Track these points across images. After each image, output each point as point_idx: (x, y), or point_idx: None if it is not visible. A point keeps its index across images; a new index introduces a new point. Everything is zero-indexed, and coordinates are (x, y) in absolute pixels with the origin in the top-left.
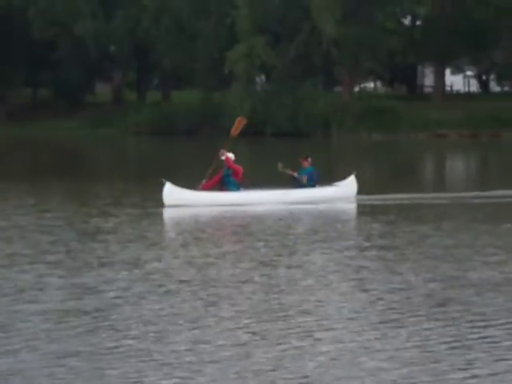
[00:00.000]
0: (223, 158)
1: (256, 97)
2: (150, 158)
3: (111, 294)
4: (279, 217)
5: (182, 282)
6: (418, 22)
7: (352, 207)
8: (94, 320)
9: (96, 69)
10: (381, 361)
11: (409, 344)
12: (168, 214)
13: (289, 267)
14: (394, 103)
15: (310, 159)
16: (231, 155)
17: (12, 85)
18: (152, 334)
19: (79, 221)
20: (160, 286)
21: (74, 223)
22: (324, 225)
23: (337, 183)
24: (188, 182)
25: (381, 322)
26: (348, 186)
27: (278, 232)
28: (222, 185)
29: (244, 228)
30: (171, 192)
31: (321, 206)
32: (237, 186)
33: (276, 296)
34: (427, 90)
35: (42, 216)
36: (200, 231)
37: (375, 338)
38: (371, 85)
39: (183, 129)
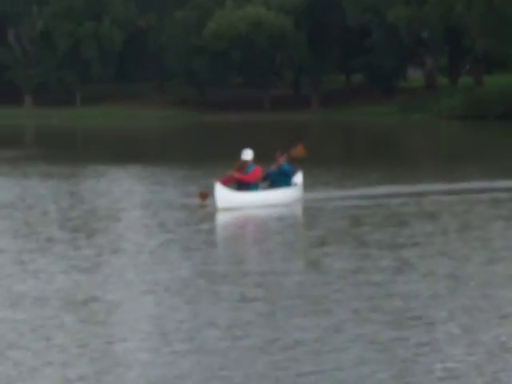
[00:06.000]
0: (247, 158)
1: None
2: (459, 143)
3: None
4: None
5: None
6: None
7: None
8: None
9: (408, 54)
10: None
11: None
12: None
13: None
14: None
15: (285, 155)
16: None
17: (327, 71)
18: None
19: None
20: None
21: None
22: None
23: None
24: (493, 166)
25: None
26: (299, 186)
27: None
28: (241, 185)
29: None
30: (223, 194)
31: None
32: (256, 186)
33: None
34: None
35: None
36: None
37: None
38: None
39: (497, 113)
